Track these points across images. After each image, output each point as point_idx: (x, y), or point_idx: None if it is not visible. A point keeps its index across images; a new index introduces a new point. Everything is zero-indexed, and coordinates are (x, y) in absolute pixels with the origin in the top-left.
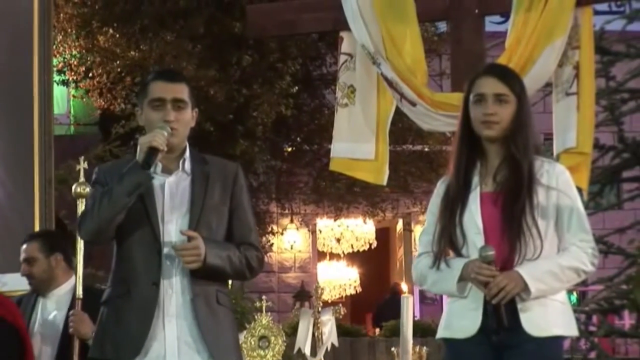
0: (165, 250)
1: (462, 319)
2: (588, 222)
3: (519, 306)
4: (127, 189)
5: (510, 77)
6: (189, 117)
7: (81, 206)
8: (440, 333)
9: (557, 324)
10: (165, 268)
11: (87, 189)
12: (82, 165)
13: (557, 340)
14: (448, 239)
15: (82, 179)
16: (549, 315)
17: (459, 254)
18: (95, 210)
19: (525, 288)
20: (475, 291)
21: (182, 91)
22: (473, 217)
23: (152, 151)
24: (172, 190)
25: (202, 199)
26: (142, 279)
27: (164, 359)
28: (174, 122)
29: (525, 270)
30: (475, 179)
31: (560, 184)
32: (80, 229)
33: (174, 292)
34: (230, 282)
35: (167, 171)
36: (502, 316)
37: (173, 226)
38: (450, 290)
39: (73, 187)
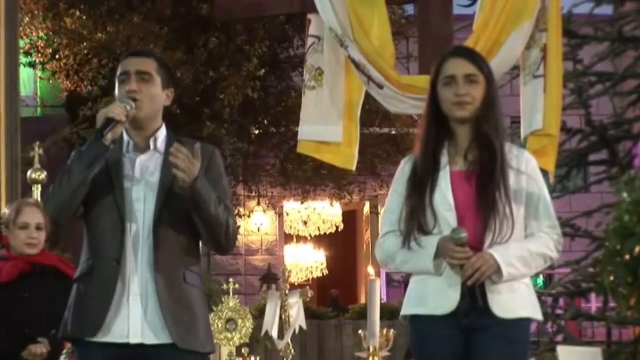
0: (130, 227)
1: (439, 295)
2: (553, 208)
3: (488, 288)
4: (85, 162)
5: (477, 58)
6: (155, 91)
7: (36, 192)
8: (411, 310)
9: (525, 306)
10: (129, 246)
11: (42, 175)
12: (37, 151)
13: (525, 322)
14: (417, 221)
15: (37, 164)
16: (517, 298)
17: (429, 234)
18: (56, 188)
19: (498, 271)
20: (450, 269)
21: (147, 64)
22: (444, 194)
23: (109, 122)
24: (143, 168)
25: (172, 178)
26: (104, 256)
27: (127, 338)
28: (136, 92)
29: (498, 253)
30: (444, 159)
31: (529, 169)
32: (45, 207)
33: (137, 270)
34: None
35: (139, 149)
36: (477, 297)
37: (140, 204)
38: (426, 269)
39: (28, 173)
